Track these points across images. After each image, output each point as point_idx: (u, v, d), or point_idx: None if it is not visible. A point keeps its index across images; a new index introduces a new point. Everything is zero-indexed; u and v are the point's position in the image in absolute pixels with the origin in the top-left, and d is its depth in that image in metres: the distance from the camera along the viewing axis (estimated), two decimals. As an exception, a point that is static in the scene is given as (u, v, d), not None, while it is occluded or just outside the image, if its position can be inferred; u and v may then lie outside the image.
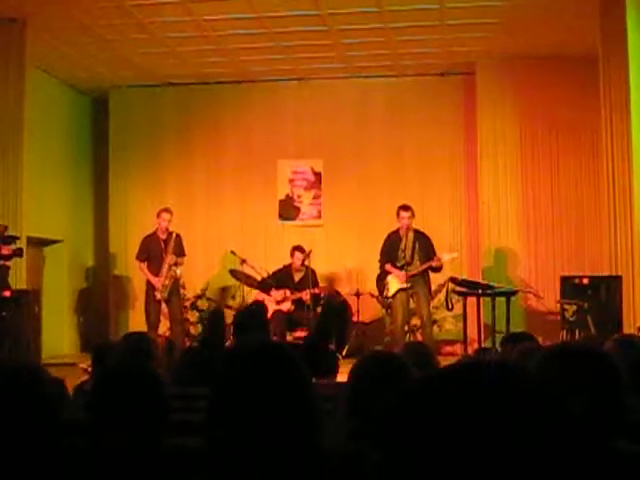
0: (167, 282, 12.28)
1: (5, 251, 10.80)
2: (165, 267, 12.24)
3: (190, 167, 14.85)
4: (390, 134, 14.33)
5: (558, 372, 2.69)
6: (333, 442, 2.81)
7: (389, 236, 11.90)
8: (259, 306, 9.01)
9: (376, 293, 12.25)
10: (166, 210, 12.52)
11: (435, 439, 1.13)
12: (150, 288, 12.35)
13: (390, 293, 11.70)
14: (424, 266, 11.59)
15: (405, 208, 11.76)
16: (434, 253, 11.69)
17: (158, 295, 12.22)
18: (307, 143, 14.54)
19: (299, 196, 14.72)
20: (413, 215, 11.72)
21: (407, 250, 11.66)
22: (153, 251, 12.42)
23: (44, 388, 2.58)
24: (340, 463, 2.31)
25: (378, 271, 11.98)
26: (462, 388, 1.16)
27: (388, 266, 11.73)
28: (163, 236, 12.42)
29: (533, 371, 2.21)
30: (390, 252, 11.78)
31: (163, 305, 12.39)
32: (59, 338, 14.05)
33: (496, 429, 1.11)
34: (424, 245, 11.75)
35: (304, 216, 14.71)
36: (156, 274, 12.26)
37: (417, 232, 11.80)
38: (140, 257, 12.51)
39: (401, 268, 11.61)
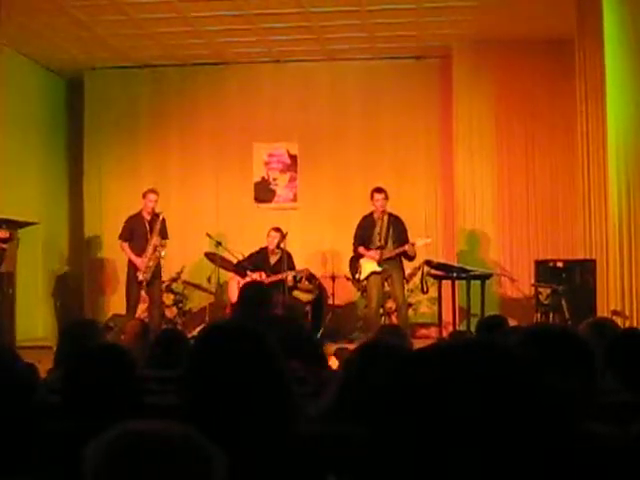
0: (151, 263, 12.13)
1: (2, 234, 10.80)
2: (150, 248, 12.10)
3: (165, 149, 14.78)
4: (365, 117, 14.32)
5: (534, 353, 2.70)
6: (315, 425, 2.81)
7: (363, 219, 11.94)
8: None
9: (350, 276, 12.27)
10: (153, 191, 12.35)
11: (427, 412, 1.13)
12: (132, 269, 12.19)
13: (362, 276, 11.75)
14: (397, 250, 11.62)
15: (379, 190, 11.79)
16: (407, 238, 11.72)
17: (140, 276, 12.05)
18: (283, 125, 14.49)
19: (275, 179, 14.70)
20: (387, 197, 11.76)
21: (381, 233, 11.70)
22: (137, 232, 12.25)
23: (16, 370, 2.57)
24: (322, 446, 2.31)
25: (352, 254, 12.02)
26: (457, 363, 1.16)
27: (361, 249, 11.78)
28: (148, 217, 12.27)
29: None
30: (364, 235, 11.82)
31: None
32: (34, 321, 13.98)
33: (489, 403, 1.11)
34: (398, 229, 11.79)
35: (280, 199, 14.69)
36: (138, 255, 12.10)
37: (391, 216, 11.84)
38: (123, 237, 12.32)
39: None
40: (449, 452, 1.10)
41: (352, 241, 11.96)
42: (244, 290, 7.00)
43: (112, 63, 14.59)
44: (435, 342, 1.28)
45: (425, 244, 12.09)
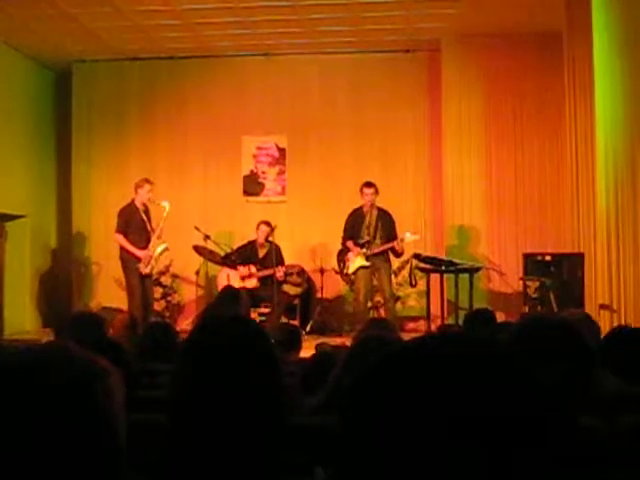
0: (158, 255, 11.77)
1: None
2: (154, 240, 11.71)
3: (154, 143, 14.75)
4: (354, 110, 14.30)
5: (529, 344, 2.71)
6: (302, 418, 2.82)
7: (352, 213, 11.95)
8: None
9: (338, 269, 12.27)
10: (148, 181, 11.93)
11: (399, 410, 1.12)
12: (131, 262, 11.61)
13: (350, 270, 11.76)
14: (385, 246, 11.63)
15: (369, 185, 11.80)
16: (395, 234, 11.72)
17: (142, 268, 11.54)
18: (272, 119, 14.48)
19: (263, 172, 14.67)
20: (377, 192, 11.76)
21: (370, 227, 11.72)
22: (133, 223, 11.72)
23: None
24: (309, 438, 2.32)
25: (340, 247, 12.03)
26: (431, 359, 1.16)
27: (349, 243, 11.78)
28: (142, 208, 11.82)
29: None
30: (353, 229, 11.83)
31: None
32: (21, 314, 13.95)
33: (465, 399, 1.10)
34: (387, 224, 11.80)
35: (268, 192, 14.66)
36: (139, 248, 11.61)
37: (380, 210, 11.85)
38: (121, 229, 11.72)
39: (362, 246, 11.66)
40: (434, 452, 1.10)
41: (341, 235, 11.97)
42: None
43: (101, 55, 14.55)
44: (421, 336, 1.27)
45: (414, 240, 12.09)
